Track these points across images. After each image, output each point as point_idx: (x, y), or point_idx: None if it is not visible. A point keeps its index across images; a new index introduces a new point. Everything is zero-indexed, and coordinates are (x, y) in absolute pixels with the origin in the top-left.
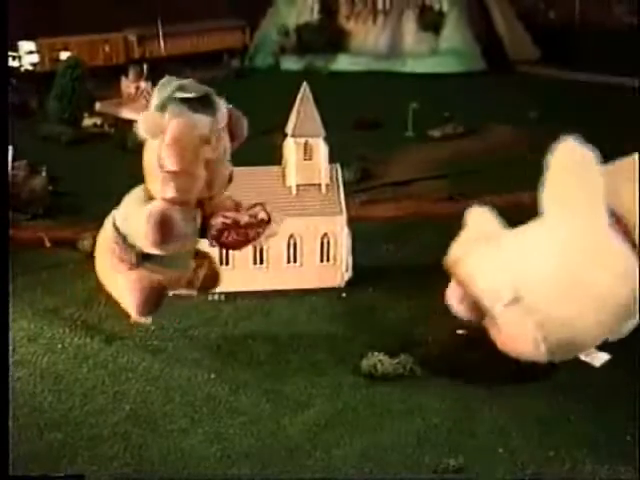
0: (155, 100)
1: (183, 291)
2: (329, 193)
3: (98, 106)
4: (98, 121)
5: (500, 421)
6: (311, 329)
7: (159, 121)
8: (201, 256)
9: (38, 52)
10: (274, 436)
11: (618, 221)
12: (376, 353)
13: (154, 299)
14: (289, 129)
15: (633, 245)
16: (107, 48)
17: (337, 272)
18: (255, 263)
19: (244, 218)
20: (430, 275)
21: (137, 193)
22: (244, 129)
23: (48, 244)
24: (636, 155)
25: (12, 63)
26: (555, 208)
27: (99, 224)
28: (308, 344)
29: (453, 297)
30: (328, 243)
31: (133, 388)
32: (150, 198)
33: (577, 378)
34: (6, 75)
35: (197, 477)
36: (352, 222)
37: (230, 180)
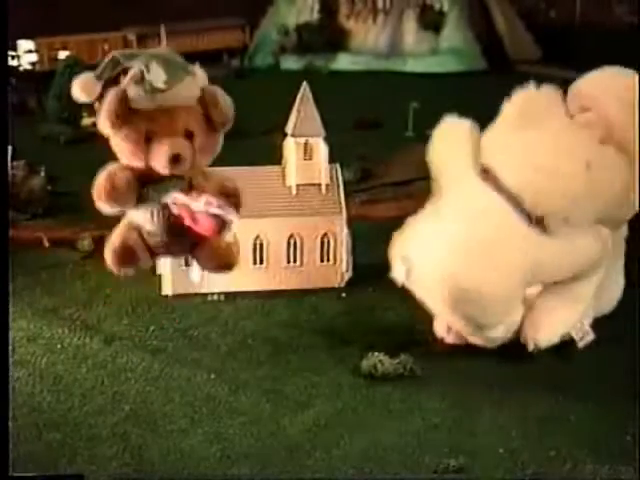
0: (100, 67)
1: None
2: (329, 193)
3: (97, 105)
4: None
5: (500, 421)
6: (311, 329)
7: (93, 86)
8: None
9: (37, 51)
10: (274, 436)
11: (485, 172)
12: (376, 353)
13: (123, 257)
14: (289, 129)
15: (508, 197)
16: (106, 47)
17: (337, 272)
18: (255, 263)
19: (196, 205)
20: None
21: None
22: (223, 114)
23: (47, 244)
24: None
25: (11, 62)
26: (435, 177)
27: (98, 224)
28: (308, 344)
29: (440, 328)
30: (328, 243)
31: (132, 388)
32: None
33: (578, 378)
34: (6, 75)
35: (197, 477)
36: (352, 222)
37: (176, 159)
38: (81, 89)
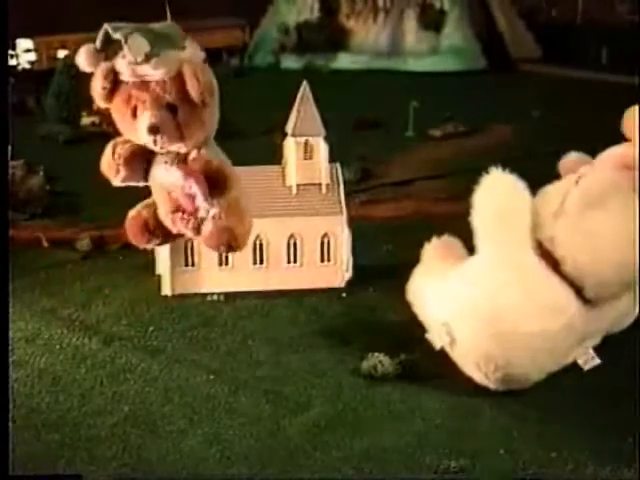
0: (97, 40)
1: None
2: (329, 193)
3: (96, 105)
4: (96, 120)
5: (501, 422)
6: (311, 329)
7: (95, 57)
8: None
9: (36, 50)
10: (274, 437)
11: (544, 253)
12: (376, 354)
13: (142, 232)
14: (289, 128)
15: (562, 277)
16: None
17: (337, 272)
18: (255, 263)
19: (175, 183)
20: None
21: None
22: (198, 89)
23: (46, 244)
24: (560, 183)
25: (10, 61)
26: (485, 241)
27: (98, 224)
28: (308, 344)
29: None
30: (328, 243)
31: (132, 389)
32: None
33: (578, 379)
34: (6, 75)
35: (196, 477)
36: (352, 222)
37: (153, 129)
38: (83, 59)
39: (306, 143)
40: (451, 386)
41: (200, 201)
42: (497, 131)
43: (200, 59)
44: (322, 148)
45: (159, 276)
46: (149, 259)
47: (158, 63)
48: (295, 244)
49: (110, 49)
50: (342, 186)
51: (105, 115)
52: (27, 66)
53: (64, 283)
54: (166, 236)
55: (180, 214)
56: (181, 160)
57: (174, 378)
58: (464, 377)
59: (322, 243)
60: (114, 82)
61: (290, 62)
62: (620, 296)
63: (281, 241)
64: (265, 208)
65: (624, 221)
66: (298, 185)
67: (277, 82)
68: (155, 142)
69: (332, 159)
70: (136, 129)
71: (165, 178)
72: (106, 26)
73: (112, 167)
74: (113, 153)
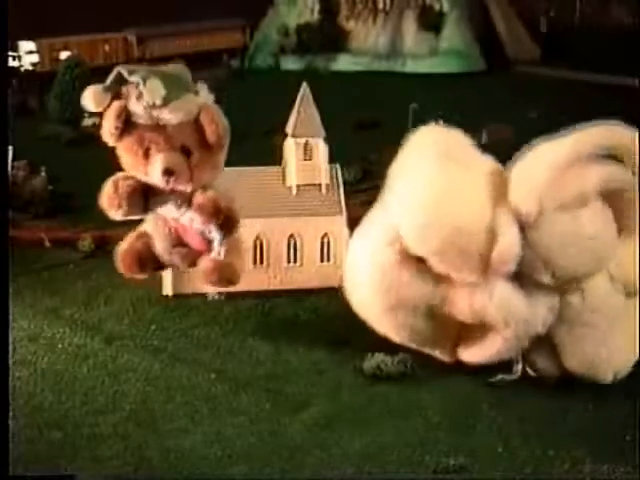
0: (107, 80)
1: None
2: (329, 193)
3: None
4: (98, 121)
5: (500, 420)
6: (311, 329)
7: (102, 97)
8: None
9: (38, 52)
10: (274, 436)
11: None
12: (377, 354)
13: (131, 262)
14: (289, 129)
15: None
16: (107, 48)
17: (337, 272)
18: (255, 263)
19: (183, 221)
20: None
21: None
22: (217, 135)
23: (48, 244)
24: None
25: (12, 63)
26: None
27: (99, 224)
28: (308, 344)
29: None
30: (328, 243)
31: (133, 388)
32: None
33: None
34: (6, 75)
35: (197, 476)
36: (352, 222)
37: (168, 172)
38: (91, 100)
39: (306, 144)
40: (450, 385)
41: (216, 245)
42: (495, 132)
43: (212, 101)
44: (322, 149)
45: (160, 276)
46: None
47: (176, 107)
48: (295, 244)
49: (115, 89)
50: (342, 186)
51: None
52: (29, 67)
53: (66, 283)
54: (158, 267)
55: (180, 249)
56: (188, 199)
57: (175, 377)
58: (463, 377)
59: (322, 243)
60: (125, 122)
61: (290, 63)
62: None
63: (281, 241)
64: (265, 208)
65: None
66: (298, 186)
67: (277, 83)
68: (167, 183)
69: (332, 160)
70: (145, 168)
71: (175, 217)
72: (119, 69)
73: (113, 203)
74: (115, 189)
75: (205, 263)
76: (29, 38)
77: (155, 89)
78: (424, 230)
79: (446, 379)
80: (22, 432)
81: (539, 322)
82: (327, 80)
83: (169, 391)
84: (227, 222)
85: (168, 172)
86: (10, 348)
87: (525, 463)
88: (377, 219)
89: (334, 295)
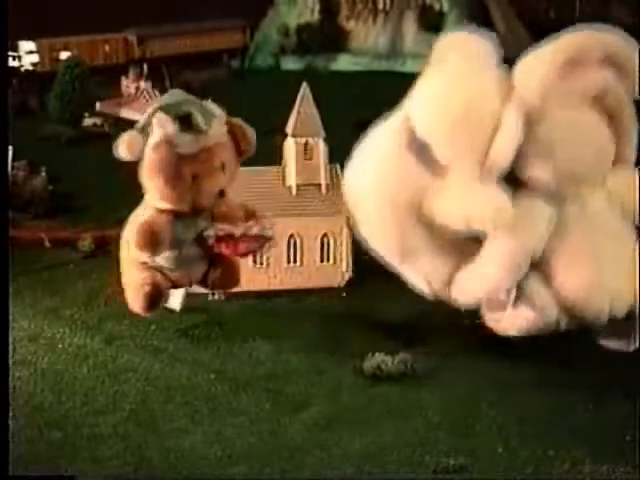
0: (141, 121)
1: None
2: (329, 193)
3: (98, 106)
4: (98, 121)
5: (500, 421)
6: (311, 329)
7: (137, 143)
8: (219, 257)
9: (38, 52)
10: (274, 436)
11: None
12: (377, 354)
13: (152, 299)
14: (289, 129)
15: None
16: (107, 48)
17: (337, 272)
18: (255, 263)
19: (238, 231)
20: None
21: (145, 199)
22: (250, 143)
23: (48, 244)
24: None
25: (12, 63)
26: None
27: (99, 224)
28: (308, 344)
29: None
30: (328, 243)
31: (133, 388)
32: (148, 205)
33: (577, 378)
34: (6, 75)
35: (197, 477)
36: (352, 222)
37: (222, 193)
38: (127, 149)
39: (306, 144)
40: (451, 385)
41: (269, 235)
42: None
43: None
44: (322, 149)
45: None
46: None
47: (216, 128)
48: (295, 244)
49: (148, 129)
50: (342, 187)
51: (107, 116)
52: (29, 67)
53: (66, 283)
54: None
55: (215, 270)
56: (210, 213)
57: (175, 377)
58: (463, 376)
59: (322, 243)
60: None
61: (290, 64)
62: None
63: (281, 241)
64: (265, 208)
65: None
66: (298, 185)
67: (277, 83)
68: (216, 203)
69: (332, 160)
70: (191, 196)
71: (229, 233)
72: (157, 107)
73: (156, 244)
74: (152, 231)
75: (222, 269)
76: (29, 38)
77: (201, 116)
78: (435, 113)
79: (446, 379)
80: (22, 432)
81: (535, 234)
82: (327, 80)
83: (169, 391)
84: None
85: (222, 193)
86: (10, 348)
87: (525, 463)
88: (392, 119)
89: (334, 295)
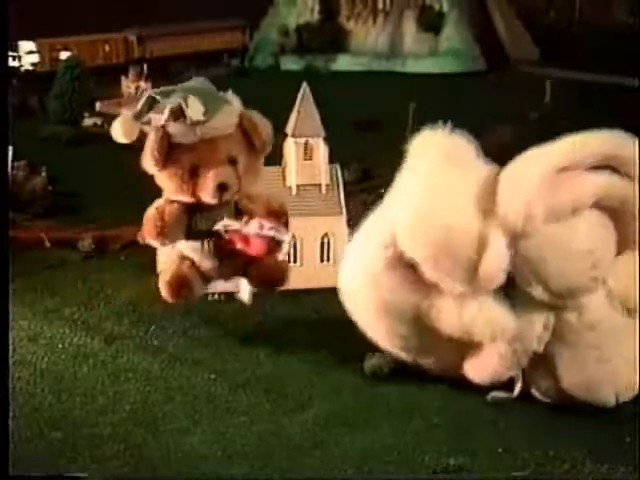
0: (137, 107)
1: (231, 287)
2: (329, 193)
3: (98, 106)
4: (98, 121)
5: (500, 420)
6: (311, 329)
7: (132, 127)
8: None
9: (38, 52)
10: (274, 436)
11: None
12: (377, 354)
13: (177, 287)
14: (289, 129)
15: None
16: (107, 48)
17: (337, 272)
18: None
19: (246, 229)
20: None
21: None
22: (262, 138)
23: (48, 244)
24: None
25: (12, 63)
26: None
27: (99, 224)
28: (308, 344)
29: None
30: (328, 243)
31: (133, 388)
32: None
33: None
34: (6, 75)
35: (197, 477)
36: (352, 222)
37: (223, 187)
38: (121, 132)
39: (306, 144)
40: (450, 384)
41: (285, 245)
42: (496, 132)
43: (241, 107)
44: (322, 149)
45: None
46: (151, 259)
47: (220, 119)
48: (295, 244)
49: (145, 115)
50: (342, 186)
51: (107, 116)
52: (29, 67)
53: (66, 283)
54: (204, 285)
55: (230, 261)
56: (235, 207)
57: (175, 377)
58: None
59: (322, 243)
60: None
61: (290, 64)
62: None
63: None
64: None
65: None
66: (298, 186)
67: (277, 83)
68: (220, 198)
69: (332, 160)
70: (193, 188)
71: (236, 228)
72: (152, 94)
73: (161, 231)
74: (161, 217)
75: (259, 268)
76: (29, 38)
77: (197, 106)
78: (416, 230)
79: (446, 379)
80: (22, 432)
81: (533, 338)
82: (327, 80)
83: (169, 391)
84: (286, 221)
85: (222, 187)
86: (10, 348)
87: (525, 463)
88: (376, 221)
89: (334, 295)
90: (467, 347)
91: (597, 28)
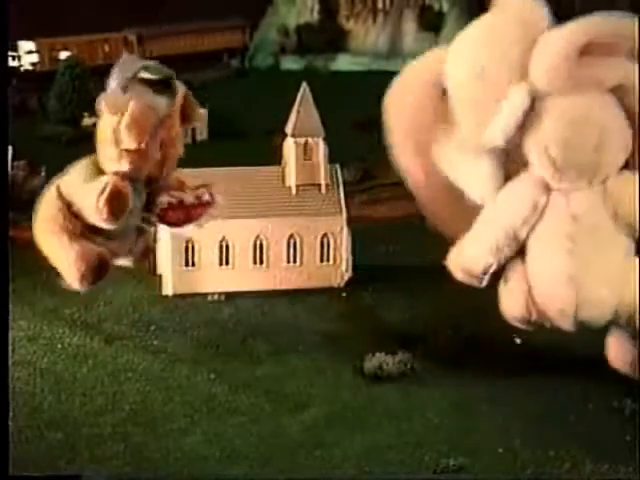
0: (117, 79)
1: (121, 261)
2: (329, 193)
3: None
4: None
5: (500, 421)
6: (311, 329)
7: (121, 100)
8: (141, 229)
9: (38, 52)
10: (274, 435)
11: None
12: (378, 354)
13: (98, 271)
14: (289, 129)
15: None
16: (107, 48)
17: (337, 272)
18: (255, 263)
19: (189, 198)
20: (430, 275)
21: (86, 163)
22: (196, 113)
23: None
24: None
25: (12, 63)
26: None
27: None
28: (308, 344)
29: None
30: (328, 243)
31: (133, 388)
32: (99, 170)
33: (577, 378)
34: (6, 75)
35: (197, 477)
36: (352, 222)
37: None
38: (110, 106)
39: (306, 144)
40: (451, 385)
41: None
42: None
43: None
44: (322, 149)
45: (160, 276)
46: (150, 259)
47: (180, 98)
48: (295, 244)
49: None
50: (342, 186)
51: None
52: (29, 67)
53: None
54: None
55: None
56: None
57: (175, 377)
58: (463, 376)
59: (322, 243)
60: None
61: (290, 63)
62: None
63: (281, 241)
64: (265, 208)
65: None
66: (298, 185)
67: (277, 83)
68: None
69: (332, 160)
70: (155, 159)
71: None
72: (139, 73)
73: (121, 209)
74: (119, 195)
75: (142, 242)
76: (29, 38)
77: (178, 83)
78: (459, 61)
79: (446, 379)
80: (22, 432)
81: (519, 214)
82: (327, 80)
83: (169, 391)
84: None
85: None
86: (10, 348)
87: (526, 463)
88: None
89: (334, 295)
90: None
91: None
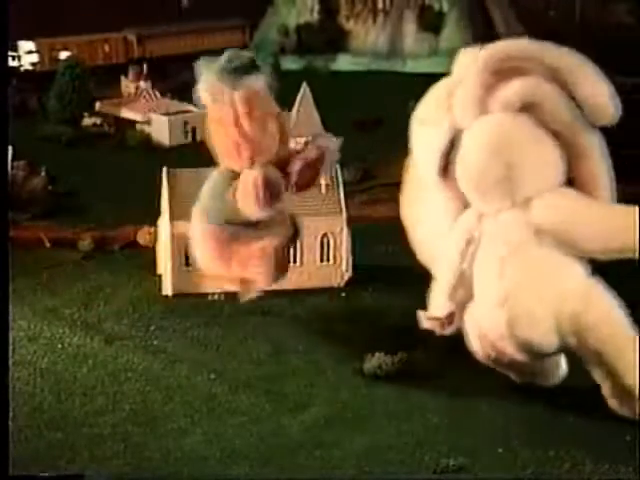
0: (207, 73)
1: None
2: (329, 193)
3: (98, 106)
4: (98, 121)
5: (500, 421)
6: (311, 329)
7: (219, 88)
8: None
9: (38, 52)
10: (274, 436)
11: None
12: (377, 353)
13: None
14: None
15: None
16: (107, 48)
17: (337, 272)
18: None
19: (312, 153)
20: (430, 275)
21: (216, 182)
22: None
23: (48, 244)
24: None
25: (11, 63)
26: None
27: (99, 224)
28: (308, 344)
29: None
30: (328, 243)
31: (133, 388)
32: (235, 176)
33: (577, 378)
34: (6, 75)
35: (197, 477)
36: (352, 222)
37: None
38: (210, 94)
39: (306, 144)
40: (450, 385)
41: None
42: None
43: None
44: None
45: (160, 276)
46: (150, 259)
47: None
48: (295, 244)
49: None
50: (342, 186)
51: (107, 116)
52: (29, 67)
53: (66, 283)
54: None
55: None
56: None
57: (175, 377)
58: (463, 376)
59: (322, 243)
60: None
61: (290, 63)
62: None
63: None
64: None
65: None
66: None
67: (277, 83)
68: None
69: None
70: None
71: None
72: (226, 63)
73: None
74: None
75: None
76: (29, 38)
77: None
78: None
79: (446, 379)
80: (22, 432)
81: (456, 249)
82: (327, 80)
83: (169, 391)
84: None
85: None
86: (10, 348)
87: (525, 463)
88: None
89: (334, 295)
90: None
91: (597, 28)
